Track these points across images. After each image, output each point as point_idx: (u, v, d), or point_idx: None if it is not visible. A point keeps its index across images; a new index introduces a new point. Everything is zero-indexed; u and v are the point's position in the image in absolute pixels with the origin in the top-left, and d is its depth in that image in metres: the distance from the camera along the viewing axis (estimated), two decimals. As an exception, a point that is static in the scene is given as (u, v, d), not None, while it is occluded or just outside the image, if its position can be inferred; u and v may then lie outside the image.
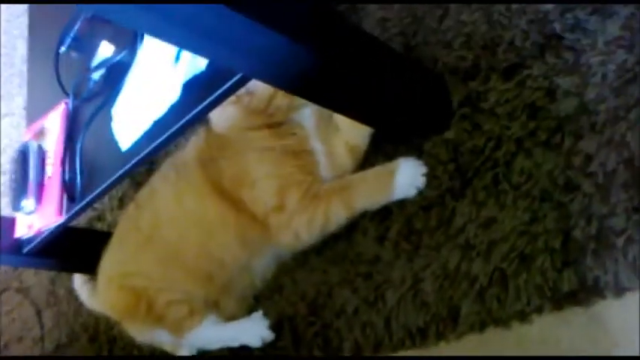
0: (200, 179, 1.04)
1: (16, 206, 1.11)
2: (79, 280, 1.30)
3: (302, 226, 0.99)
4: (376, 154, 1.01)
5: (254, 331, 1.05)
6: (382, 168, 0.96)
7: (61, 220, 1.05)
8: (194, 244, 1.06)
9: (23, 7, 1.92)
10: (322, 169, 1.01)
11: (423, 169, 0.94)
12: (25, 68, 1.90)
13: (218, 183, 1.02)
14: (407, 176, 0.94)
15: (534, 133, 0.85)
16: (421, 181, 0.94)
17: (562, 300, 0.79)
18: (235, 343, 1.07)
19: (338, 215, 0.98)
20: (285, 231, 1.00)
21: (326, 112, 1.00)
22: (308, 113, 1.01)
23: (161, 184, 1.11)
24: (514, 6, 0.90)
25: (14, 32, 2.01)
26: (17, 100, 1.96)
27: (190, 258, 1.06)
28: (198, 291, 1.07)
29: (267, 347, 1.06)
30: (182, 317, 1.06)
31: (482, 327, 0.86)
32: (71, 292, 1.55)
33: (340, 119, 1.01)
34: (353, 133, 1.01)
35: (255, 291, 1.11)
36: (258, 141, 0.99)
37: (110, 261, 1.15)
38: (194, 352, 1.12)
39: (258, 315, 1.07)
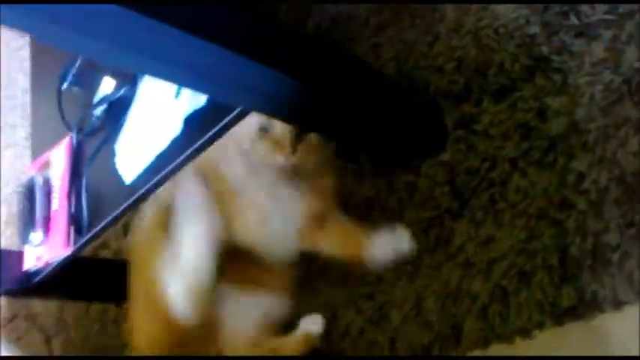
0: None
1: (24, 239, 1.13)
2: None
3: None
4: (375, 176, 1.03)
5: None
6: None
7: (68, 251, 1.07)
8: None
9: (24, 41, 1.95)
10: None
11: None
12: (26, 100, 1.94)
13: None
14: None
15: (528, 152, 0.88)
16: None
17: (562, 315, 0.82)
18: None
19: None
20: None
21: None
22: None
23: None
24: (501, 30, 0.93)
25: (15, 65, 2.04)
26: (19, 131, 1.98)
27: None
28: None
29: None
30: None
31: (485, 343, 0.88)
32: (79, 319, 1.57)
33: None
34: None
35: None
36: None
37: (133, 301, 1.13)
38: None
39: None
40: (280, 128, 0.93)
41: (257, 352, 1.03)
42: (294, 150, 0.94)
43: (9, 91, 2.07)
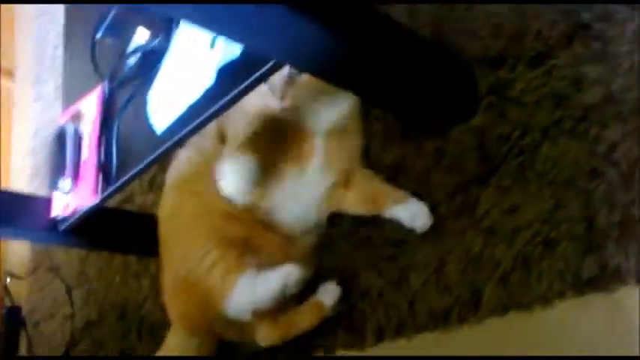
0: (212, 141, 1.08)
1: (53, 186, 1.15)
2: None
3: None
4: (402, 140, 1.03)
5: (285, 269, 0.99)
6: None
7: (96, 200, 1.09)
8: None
9: (57, -7, 1.96)
10: (316, 165, 1.03)
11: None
12: (56, 53, 1.95)
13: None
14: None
15: (560, 121, 0.87)
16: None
17: (584, 285, 0.81)
18: (276, 286, 0.99)
19: None
20: None
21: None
22: (325, 117, 1.02)
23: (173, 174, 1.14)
24: (543, -4, 0.91)
25: (47, 18, 2.06)
26: (48, 84, 2.00)
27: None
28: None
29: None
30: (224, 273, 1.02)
31: (504, 311, 0.88)
32: (101, 272, 1.60)
33: None
34: None
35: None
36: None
37: (164, 275, 1.14)
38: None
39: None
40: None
41: (274, 329, 1.05)
42: (284, 95, 0.95)
43: (40, 44, 2.08)
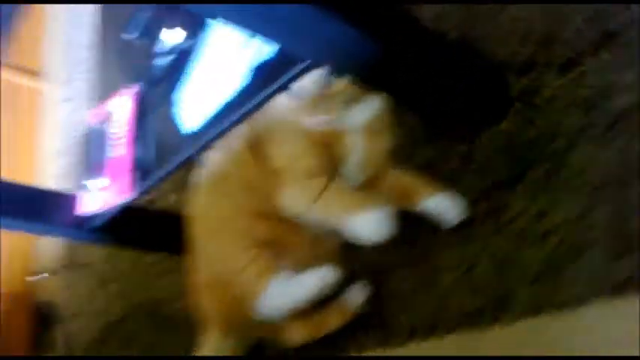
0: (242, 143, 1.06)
1: (82, 184, 1.16)
2: None
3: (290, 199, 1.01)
4: (431, 143, 1.04)
5: (322, 272, 1.00)
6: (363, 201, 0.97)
7: (126, 197, 1.10)
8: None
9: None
10: (351, 164, 1.02)
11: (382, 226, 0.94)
12: (87, 54, 1.98)
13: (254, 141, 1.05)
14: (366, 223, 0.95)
15: (588, 128, 0.87)
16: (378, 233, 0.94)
17: (614, 290, 0.81)
18: (313, 288, 1.00)
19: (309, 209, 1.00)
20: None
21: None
22: (358, 114, 1.01)
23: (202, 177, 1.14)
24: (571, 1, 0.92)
25: (78, 20, 2.08)
26: (77, 85, 2.02)
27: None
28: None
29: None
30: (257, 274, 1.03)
31: (535, 312, 0.88)
32: (131, 269, 1.61)
33: None
34: None
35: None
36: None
37: (196, 275, 1.14)
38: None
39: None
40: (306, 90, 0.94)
41: (304, 328, 1.06)
42: (316, 107, 0.94)
43: (70, 45, 2.10)
